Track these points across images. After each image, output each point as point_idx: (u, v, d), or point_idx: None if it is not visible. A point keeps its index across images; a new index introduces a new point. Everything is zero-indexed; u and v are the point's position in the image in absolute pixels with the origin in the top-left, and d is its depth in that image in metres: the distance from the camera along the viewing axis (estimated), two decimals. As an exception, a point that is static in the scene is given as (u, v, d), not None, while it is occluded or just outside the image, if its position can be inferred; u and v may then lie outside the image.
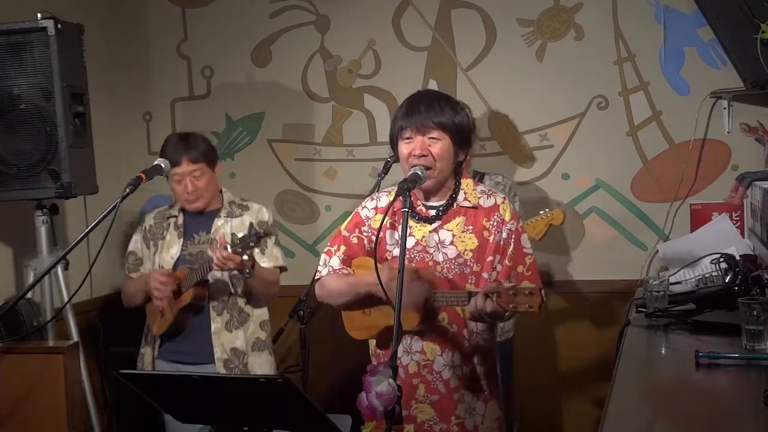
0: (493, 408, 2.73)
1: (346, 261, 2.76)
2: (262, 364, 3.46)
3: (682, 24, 3.92)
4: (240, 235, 3.16)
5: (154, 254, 3.48)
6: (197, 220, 3.47)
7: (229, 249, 3.13)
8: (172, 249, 3.44)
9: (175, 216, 3.49)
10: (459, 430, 2.66)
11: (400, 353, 2.67)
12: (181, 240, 3.45)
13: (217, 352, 3.38)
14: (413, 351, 2.68)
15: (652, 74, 3.97)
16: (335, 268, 2.76)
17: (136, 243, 3.55)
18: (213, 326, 3.38)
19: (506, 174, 3.84)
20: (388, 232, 2.70)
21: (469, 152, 3.56)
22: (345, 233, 2.79)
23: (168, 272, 3.36)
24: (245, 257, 3.16)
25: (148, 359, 3.46)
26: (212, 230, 3.43)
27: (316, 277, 2.81)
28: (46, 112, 3.21)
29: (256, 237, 3.12)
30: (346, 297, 2.72)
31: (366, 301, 2.67)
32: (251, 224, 3.18)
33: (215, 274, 3.35)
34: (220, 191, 3.52)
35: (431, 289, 2.58)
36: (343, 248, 2.77)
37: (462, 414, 2.67)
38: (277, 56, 4.38)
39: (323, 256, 2.80)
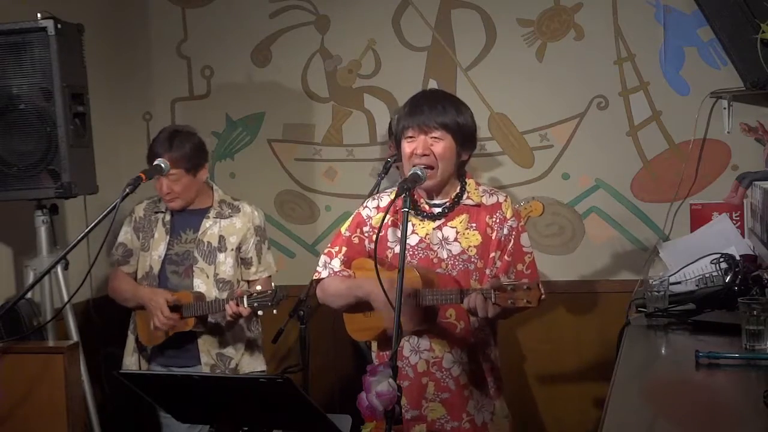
0: (501, 405, 2.75)
1: (347, 263, 2.77)
2: (250, 362, 3.47)
3: (682, 24, 3.92)
4: (258, 288, 3.18)
5: (142, 250, 3.45)
6: (185, 218, 3.43)
7: (246, 302, 3.15)
8: (159, 247, 3.41)
9: (163, 212, 3.44)
10: (470, 427, 2.67)
11: (407, 353, 2.68)
12: (168, 238, 3.42)
13: (204, 357, 3.37)
14: (421, 349, 2.68)
15: (652, 74, 3.97)
16: (335, 270, 2.76)
17: (126, 234, 3.50)
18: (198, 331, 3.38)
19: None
20: (389, 231, 2.71)
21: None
22: (346, 234, 2.79)
23: (173, 302, 3.29)
24: (260, 312, 3.18)
25: (134, 368, 3.43)
26: (200, 231, 3.40)
27: (315, 278, 2.81)
28: (46, 112, 3.20)
29: (276, 302, 3.13)
30: (345, 300, 2.73)
31: (366, 303, 2.67)
32: (277, 288, 3.17)
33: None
34: (211, 189, 3.49)
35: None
36: (344, 249, 2.77)
37: (472, 411, 2.68)
38: (277, 56, 4.38)
39: (323, 257, 2.80)
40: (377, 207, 2.78)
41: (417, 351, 2.69)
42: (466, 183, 2.73)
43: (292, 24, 4.34)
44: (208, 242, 3.38)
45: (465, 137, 2.68)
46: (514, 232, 2.68)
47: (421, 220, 2.69)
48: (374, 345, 2.82)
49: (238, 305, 3.16)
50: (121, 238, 3.51)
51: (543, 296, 2.42)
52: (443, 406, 2.68)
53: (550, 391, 4.15)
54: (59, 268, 3.31)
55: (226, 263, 3.39)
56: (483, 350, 2.73)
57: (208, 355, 3.37)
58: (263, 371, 3.51)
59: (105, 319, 3.74)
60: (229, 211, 3.44)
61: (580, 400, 4.05)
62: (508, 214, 2.69)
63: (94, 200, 3.53)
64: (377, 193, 2.93)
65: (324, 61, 4.33)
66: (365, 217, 2.78)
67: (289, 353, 4.20)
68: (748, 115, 3.86)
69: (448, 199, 2.71)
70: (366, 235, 2.77)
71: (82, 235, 2.76)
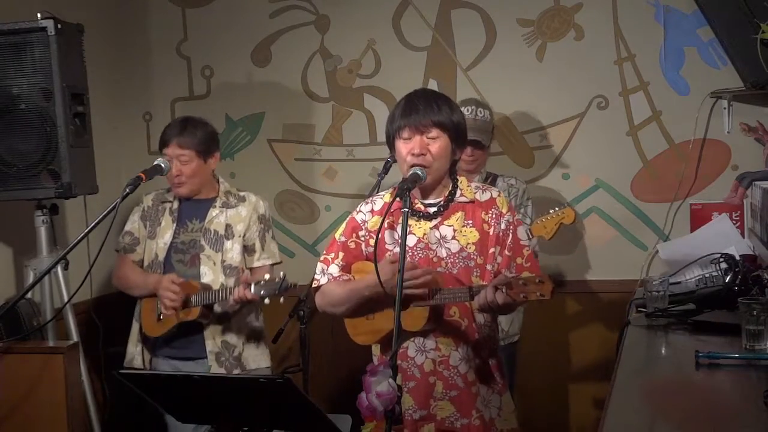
0: (507, 400, 2.74)
1: (345, 268, 2.75)
2: (256, 357, 3.48)
3: (682, 24, 3.92)
4: (266, 277, 3.19)
5: (149, 238, 3.48)
6: (192, 207, 3.47)
7: (252, 289, 3.16)
8: (165, 235, 3.44)
9: (171, 201, 3.49)
10: (480, 423, 2.66)
11: (413, 353, 2.68)
12: (174, 226, 3.45)
13: (209, 345, 3.39)
14: (427, 349, 2.68)
15: (652, 74, 3.97)
16: (334, 275, 2.75)
17: (133, 223, 3.54)
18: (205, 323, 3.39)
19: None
20: (386, 233, 2.70)
21: (485, 152, 3.60)
22: (341, 239, 2.78)
23: (180, 282, 3.32)
24: (266, 301, 3.19)
25: (138, 359, 3.46)
26: (206, 220, 3.43)
27: (314, 286, 2.80)
28: (46, 112, 3.21)
29: (283, 290, 3.15)
30: (348, 303, 2.71)
31: (369, 305, 2.66)
32: (284, 275, 3.18)
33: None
34: (217, 181, 3.52)
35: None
36: (341, 255, 2.76)
37: (480, 407, 2.68)
38: (277, 56, 4.38)
39: (320, 265, 2.79)
40: (371, 211, 2.78)
41: (423, 351, 2.68)
42: (458, 181, 2.74)
43: (292, 24, 4.35)
44: (215, 230, 3.41)
45: (459, 136, 2.69)
46: (511, 227, 2.69)
47: (417, 221, 2.69)
48: (376, 348, 2.81)
49: (245, 290, 3.18)
50: (128, 226, 3.55)
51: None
52: (452, 404, 2.67)
53: (550, 391, 4.15)
54: (59, 268, 3.31)
55: (233, 250, 3.42)
56: (488, 346, 2.73)
57: (213, 343, 3.39)
58: (268, 367, 3.52)
59: (105, 319, 3.74)
60: (235, 201, 3.48)
61: (580, 400, 4.06)
62: (504, 209, 2.70)
63: (94, 200, 3.53)
64: (376, 193, 2.93)
65: (324, 61, 4.33)
66: (360, 222, 2.78)
67: (289, 353, 4.20)
68: (748, 115, 3.87)
69: (441, 198, 2.71)
70: (362, 239, 2.76)
71: (82, 235, 2.76)
